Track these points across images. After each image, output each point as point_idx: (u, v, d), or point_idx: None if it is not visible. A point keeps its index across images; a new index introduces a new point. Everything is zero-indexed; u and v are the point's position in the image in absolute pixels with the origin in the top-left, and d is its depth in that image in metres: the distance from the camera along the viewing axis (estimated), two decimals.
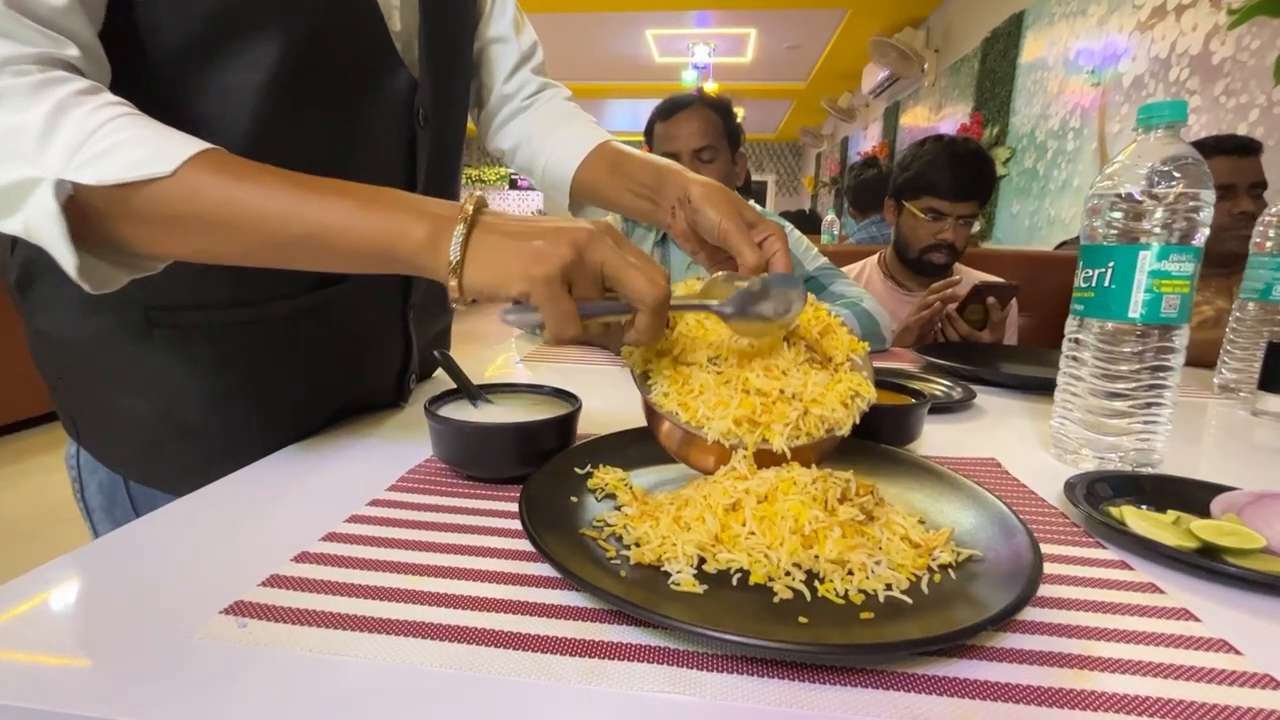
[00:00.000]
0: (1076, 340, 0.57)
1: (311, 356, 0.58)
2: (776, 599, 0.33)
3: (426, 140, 0.60)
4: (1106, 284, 0.54)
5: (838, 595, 0.34)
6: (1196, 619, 0.34)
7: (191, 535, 0.41)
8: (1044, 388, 0.85)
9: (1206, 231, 0.52)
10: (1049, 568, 0.38)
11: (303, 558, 0.38)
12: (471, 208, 0.40)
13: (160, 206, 0.38)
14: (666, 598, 0.33)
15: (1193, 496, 0.47)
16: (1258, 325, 0.88)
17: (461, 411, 0.53)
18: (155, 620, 0.32)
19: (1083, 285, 0.56)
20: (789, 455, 0.41)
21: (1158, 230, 0.51)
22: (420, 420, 0.63)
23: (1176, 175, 0.51)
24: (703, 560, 0.36)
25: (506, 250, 0.39)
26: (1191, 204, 0.51)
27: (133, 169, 0.36)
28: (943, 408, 0.75)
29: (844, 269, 1.47)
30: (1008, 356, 1.08)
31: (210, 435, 0.55)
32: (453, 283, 0.39)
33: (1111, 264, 0.54)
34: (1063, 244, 2.29)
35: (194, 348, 0.53)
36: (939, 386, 0.84)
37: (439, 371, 0.80)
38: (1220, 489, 0.48)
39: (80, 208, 0.37)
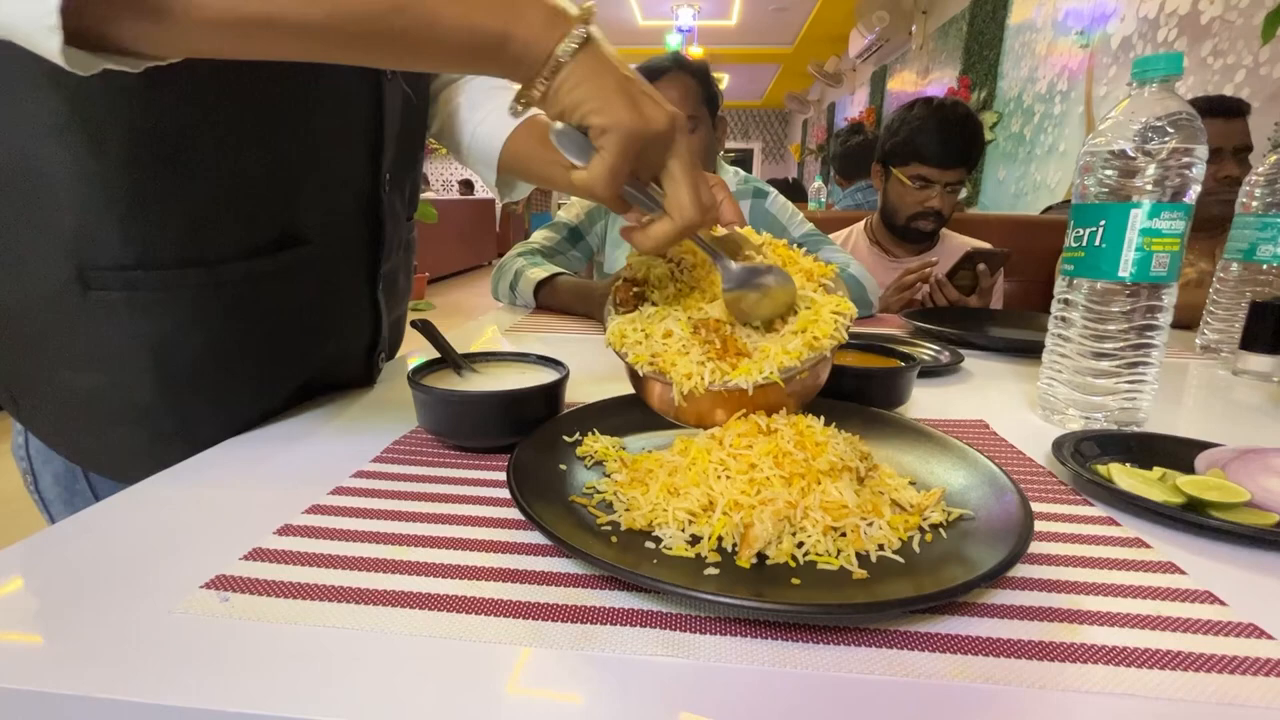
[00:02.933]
0: (1066, 301, 0.57)
1: (273, 327, 0.53)
2: (769, 562, 0.33)
3: (396, 96, 0.57)
4: (1097, 243, 0.53)
5: (830, 556, 0.33)
6: (1182, 572, 0.35)
7: (165, 514, 0.40)
8: (1031, 351, 0.86)
9: (1198, 188, 0.51)
10: (1038, 525, 0.38)
11: (285, 530, 0.37)
12: (590, 10, 0.37)
13: None
14: (658, 563, 0.33)
15: (1178, 453, 0.48)
16: (1240, 286, 0.89)
17: (446, 381, 0.51)
18: (134, 598, 0.31)
19: (1073, 245, 0.56)
20: (782, 383, 0.41)
21: (1150, 187, 0.51)
22: (397, 398, 0.62)
23: (1170, 131, 0.50)
24: (693, 521, 0.36)
25: (613, 79, 0.37)
26: (1184, 160, 0.50)
27: None
28: (931, 371, 0.75)
29: (831, 235, 1.46)
30: (994, 320, 1.08)
31: (160, 415, 0.50)
32: (542, 86, 0.37)
33: (1102, 222, 0.53)
34: (1048, 209, 2.29)
35: (139, 314, 0.47)
36: (927, 350, 0.84)
37: (405, 351, 0.76)
38: (1205, 445, 0.48)
39: None
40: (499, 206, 8.28)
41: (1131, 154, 0.51)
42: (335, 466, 0.46)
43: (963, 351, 0.82)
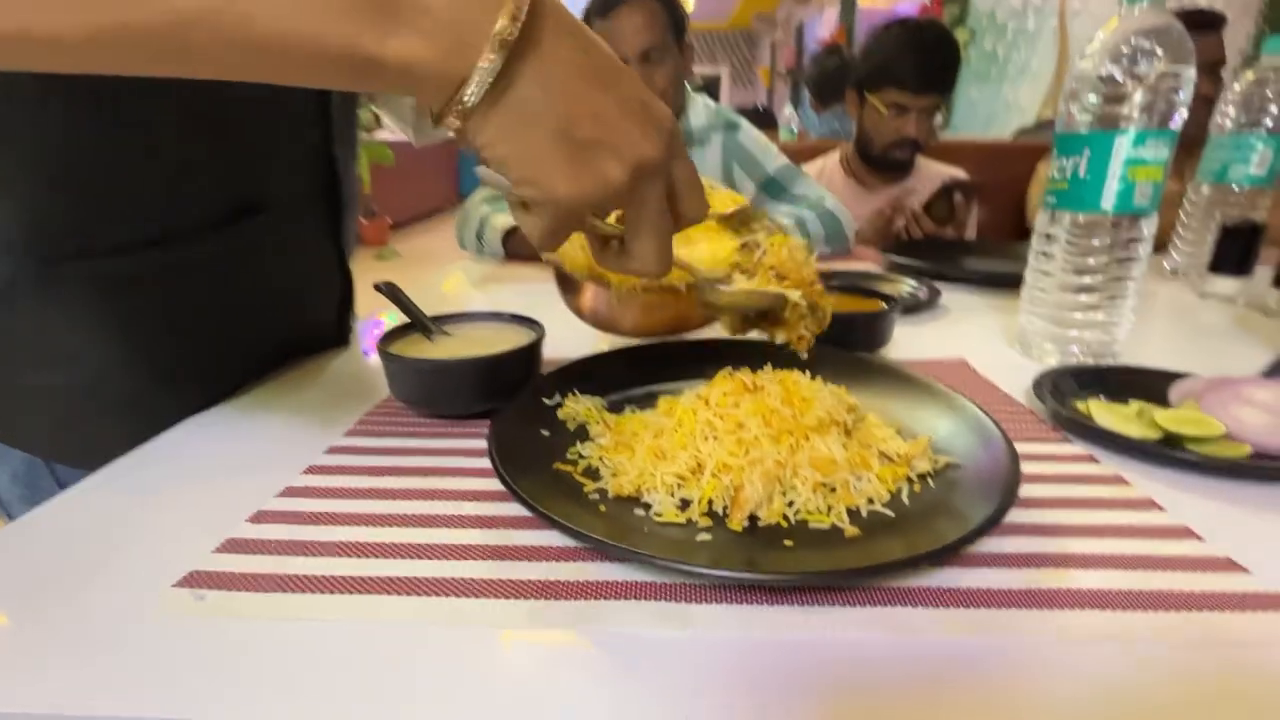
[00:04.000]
0: (1048, 235, 0.56)
1: (241, 299, 0.52)
2: (761, 523, 0.33)
3: None
4: (1081, 174, 0.52)
5: (821, 513, 0.33)
6: (1161, 508, 0.36)
7: (129, 506, 0.38)
8: (1006, 283, 0.86)
9: (1185, 113, 0.50)
10: (1021, 466, 0.39)
11: (260, 517, 0.35)
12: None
13: None
14: (649, 533, 0.32)
15: (1153, 386, 0.49)
16: (1211, 208, 0.89)
17: (417, 347, 0.49)
18: (104, 601, 0.29)
19: (1056, 177, 0.54)
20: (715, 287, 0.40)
21: (1136, 114, 0.49)
22: (366, 363, 0.60)
23: (1159, 52, 0.48)
24: (681, 484, 0.35)
25: (550, 126, 0.26)
26: (1172, 83, 0.49)
27: None
28: (910, 308, 0.75)
29: (804, 166, 1.43)
30: (969, 252, 1.08)
31: (130, 399, 0.48)
32: (453, 122, 0.26)
33: (1086, 152, 0.52)
34: (1020, 133, 2.26)
35: (99, 303, 0.45)
36: (905, 286, 0.84)
37: (370, 311, 0.73)
38: (1178, 376, 0.49)
39: None
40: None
41: (1119, 78, 0.49)
42: (307, 442, 0.44)
43: (939, 286, 0.81)
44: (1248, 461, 0.38)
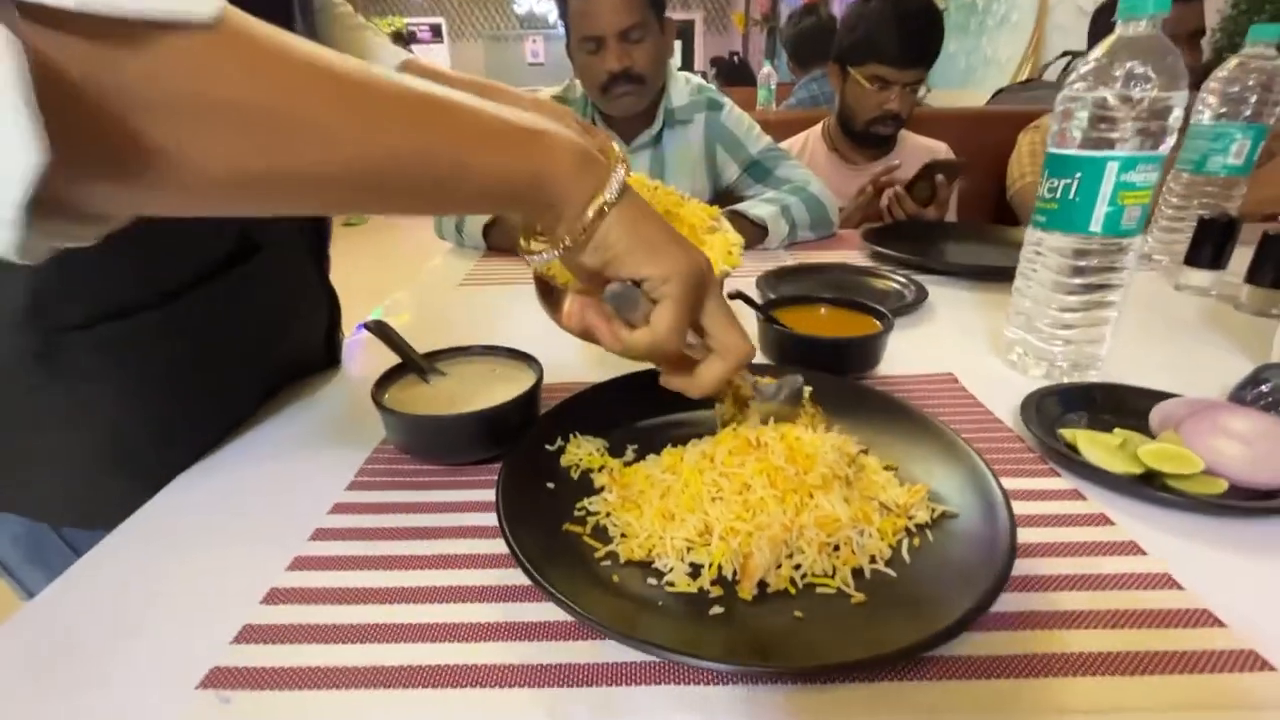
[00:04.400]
0: (1036, 253, 0.57)
1: (234, 340, 0.51)
2: (770, 590, 0.34)
3: None
4: (1071, 196, 0.52)
5: (826, 577, 0.35)
6: (1143, 552, 0.37)
7: (133, 587, 0.37)
8: (992, 276, 0.87)
9: (1174, 138, 0.50)
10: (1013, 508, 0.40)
11: (273, 597, 0.35)
12: (621, 156, 0.35)
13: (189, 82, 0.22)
14: (663, 607, 0.33)
15: (1135, 405, 0.50)
16: (1187, 196, 0.91)
17: (412, 391, 0.49)
18: (121, 709, 0.29)
19: (1047, 197, 0.55)
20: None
21: (1128, 138, 0.49)
22: (356, 398, 0.59)
23: (1152, 77, 0.48)
24: (691, 548, 0.36)
25: (656, 224, 0.35)
26: (1163, 106, 0.49)
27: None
28: (898, 310, 0.75)
29: (785, 143, 1.40)
30: (953, 236, 1.08)
31: (128, 456, 0.47)
32: (578, 234, 0.33)
33: (1078, 175, 0.52)
34: (999, 93, 2.24)
35: (101, 366, 0.45)
36: (892, 282, 0.84)
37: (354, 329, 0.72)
38: (1161, 396, 0.50)
39: (49, 79, 0.19)
40: None
41: (1112, 102, 0.49)
42: (310, 498, 0.44)
43: (925, 282, 0.82)
44: (1223, 501, 0.40)
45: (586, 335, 0.37)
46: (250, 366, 0.54)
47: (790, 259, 1.01)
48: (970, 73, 3.36)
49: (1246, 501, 0.40)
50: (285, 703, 0.29)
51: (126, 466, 0.47)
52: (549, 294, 0.47)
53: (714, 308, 0.37)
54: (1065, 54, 2.36)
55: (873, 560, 0.36)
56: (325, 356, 0.64)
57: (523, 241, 0.37)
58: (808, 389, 0.46)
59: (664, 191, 0.54)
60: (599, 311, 0.36)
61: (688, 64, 8.49)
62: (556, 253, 0.35)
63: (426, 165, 0.28)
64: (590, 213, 0.33)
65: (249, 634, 0.33)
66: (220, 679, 0.30)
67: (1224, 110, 0.84)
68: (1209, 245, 0.80)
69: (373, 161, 0.27)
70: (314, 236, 0.57)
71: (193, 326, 0.48)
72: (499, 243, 1.06)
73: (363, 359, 0.67)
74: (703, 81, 1.24)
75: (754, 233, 1.04)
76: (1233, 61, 0.83)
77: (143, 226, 0.41)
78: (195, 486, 0.46)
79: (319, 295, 0.61)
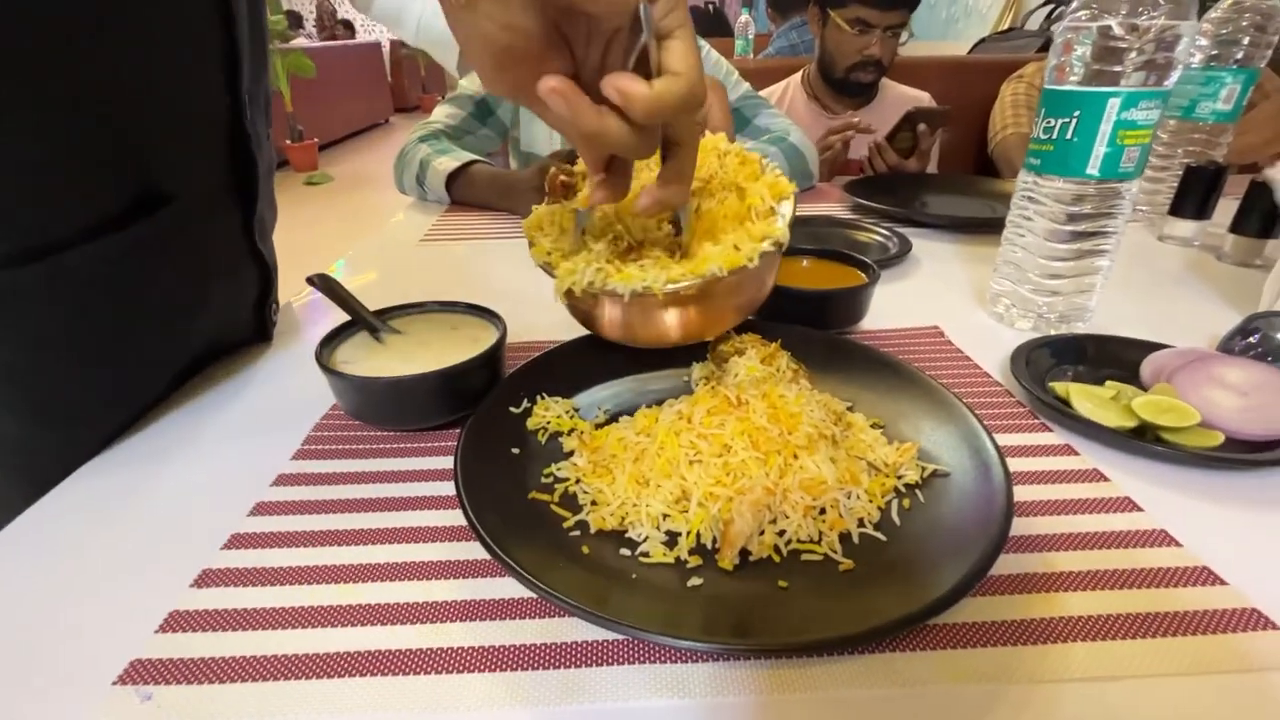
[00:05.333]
0: (1029, 199, 0.54)
1: (145, 308, 0.44)
2: (752, 558, 0.32)
3: None
4: (1069, 136, 0.49)
5: (813, 543, 0.32)
6: (1140, 508, 0.36)
7: (48, 570, 0.33)
8: (976, 228, 0.84)
9: (1180, 71, 0.47)
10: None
11: (206, 579, 0.32)
12: None
13: None
14: (637, 580, 0.30)
15: (1125, 357, 0.49)
16: (1174, 144, 0.88)
17: (363, 350, 0.45)
18: (20, 710, 0.26)
19: (1042, 137, 0.51)
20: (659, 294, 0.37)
21: (1132, 72, 0.46)
22: (300, 357, 0.54)
23: (1160, 3, 0.44)
24: (667, 516, 0.34)
25: None
26: (1172, 36, 0.45)
27: None
28: (882, 262, 0.72)
29: (765, 91, 1.35)
30: (936, 188, 1.05)
31: (19, 448, 0.41)
32: None
33: (1077, 113, 0.48)
34: (980, 43, 2.18)
35: None
36: (876, 235, 0.81)
37: (296, 295, 0.66)
38: (1152, 346, 0.49)
39: None
40: (387, 52, 7.20)
41: (1117, 30, 0.46)
42: (250, 471, 0.40)
43: (909, 234, 0.79)
44: (1220, 454, 0.39)
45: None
46: (161, 339, 0.47)
47: None
48: (951, 24, 3.29)
49: (1244, 454, 0.39)
50: (216, 698, 0.26)
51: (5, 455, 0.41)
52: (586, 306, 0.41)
53: (680, 29, 0.28)
54: (1047, 2, 2.31)
55: (861, 524, 0.33)
56: (255, 331, 0.56)
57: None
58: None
59: (737, 154, 0.45)
60: (568, 83, 0.27)
61: None
62: None
63: None
64: None
65: (176, 621, 0.30)
66: (141, 673, 0.27)
67: (1215, 53, 0.81)
68: (1195, 195, 0.78)
69: None
70: (241, 190, 0.49)
71: (86, 291, 0.40)
72: (462, 196, 1.00)
73: (314, 322, 0.62)
74: None
75: None
76: (1227, 1, 0.80)
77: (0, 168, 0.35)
78: (110, 475, 0.41)
79: (248, 264, 0.53)
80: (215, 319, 0.51)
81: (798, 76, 1.44)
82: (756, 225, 0.41)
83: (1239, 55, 0.80)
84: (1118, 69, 0.46)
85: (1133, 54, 0.46)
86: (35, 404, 0.41)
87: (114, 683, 0.27)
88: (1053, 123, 0.50)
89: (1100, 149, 0.49)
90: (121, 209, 0.41)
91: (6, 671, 0.28)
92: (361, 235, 0.89)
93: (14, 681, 0.27)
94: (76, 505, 0.38)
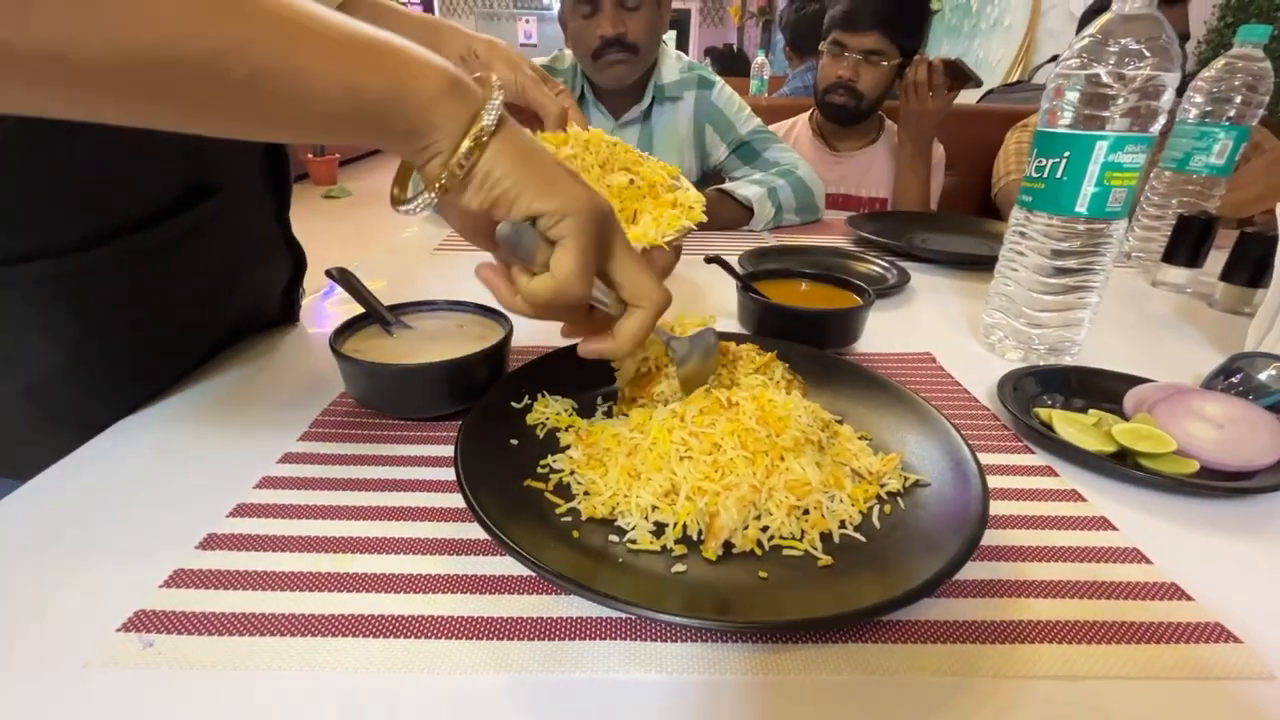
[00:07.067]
0: (1021, 234, 0.56)
1: (187, 289, 0.48)
2: (735, 550, 0.33)
3: None
4: (1059, 175, 0.52)
5: (794, 540, 0.33)
6: (1114, 528, 0.37)
7: (61, 528, 0.35)
8: (972, 264, 0.87)
9: (1164, 119, 0.49)
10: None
11: (210, 542, 0.33)
12: (495, 84, 0.30)
13: None
14: (623, 563, 0.32)
15: (1110, 388, 0.50)
16: (1169, 194, 0.91)
17: (374, 341, 0.46)
18: (40, 650, 0.27)
19: (1034, 175, 0.54)
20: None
21: (1118, 118, 0.49)
22: (313, 349, 0.56)
23: (1146, 55, 0.47)
24: (656, 508, 0.35)
25: (544, 157, 0.31)
26: (1156, 86, 0.48)
27: None
28: (879, 292, 0.74)
29: (774, 126, 1.39)
30: (936, 226, 1.08)
31: (76, 407, 0.44)
32: (458, 170, 0.29)
33: (1067, 154, 0.51)
34: (988, 94, 2.25)
35: (43, 308, 0.41)
36: (875, 266, 0.84)
37: (317, 289, 0.70)
38: (1133, 380, 0.50)
39: None
40: None
41: (1105, 79, 0.48)
42: (258, 448, 0.42)
43: (908, 267, 0.81)
44: (1194, 480, 0.40)
45: (529, 309, 0.35)
46: (200, 317, 0.51)
47: (774, 241, 1.00)
48: None
49: (1217, 482, 0.40)
50: (212, 648, 0.27)
51: (54, 416, 0.43)
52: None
53: (623, 254, 0.34)
54: (1053, 58, 2.38)
55: (842, 525, 0.35)
56: (283, 313, 0.60)
57: (395, 189, 0.33)
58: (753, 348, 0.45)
59: (622, 148, 0.52)
60: (494, 267, 0.34)
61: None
62: (432, 196, 0.30)
63: (236, 59, 0.23)
64: (467, 143, 0.28)
65: (179, 579, 0.31)
66: (144, 622, 0.28)
67: (1209, 109, 0.84)
68: (1186, 243, 0.80)
69: (150, 47, 0.21)
70: (275, 181, 0.54)
71: (136, 271, 0.44)
72: None
73: (328, 315, 0.64)
74: (694, 60, 1.22)
75: (739, 213, 1.03)
76: (1220, 61, 0.84)
77: (82, 160, 0.39)
78: (134, 434, 0.44)
79: (280, 249, 0.58)
80: (250, 299, 0.55)
81: (806, 115, 1.48)
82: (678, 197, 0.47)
83: (1231, 113, 0.84)
84: (1105, 114, 0.49)
85: (1119, 100, 0.48)
86: (95, 368, 0.44)
87: (118, 630, 0.28)
88: (1044, 162, 0.53)
89: (1088, 188, 0.51)
90: (176, 197, 0.45)
91: (23, 611, 0.29)
92: (374, 246, 0.92)
93: (30, 618, 0.29)
94: (100, 456, 0.40)
